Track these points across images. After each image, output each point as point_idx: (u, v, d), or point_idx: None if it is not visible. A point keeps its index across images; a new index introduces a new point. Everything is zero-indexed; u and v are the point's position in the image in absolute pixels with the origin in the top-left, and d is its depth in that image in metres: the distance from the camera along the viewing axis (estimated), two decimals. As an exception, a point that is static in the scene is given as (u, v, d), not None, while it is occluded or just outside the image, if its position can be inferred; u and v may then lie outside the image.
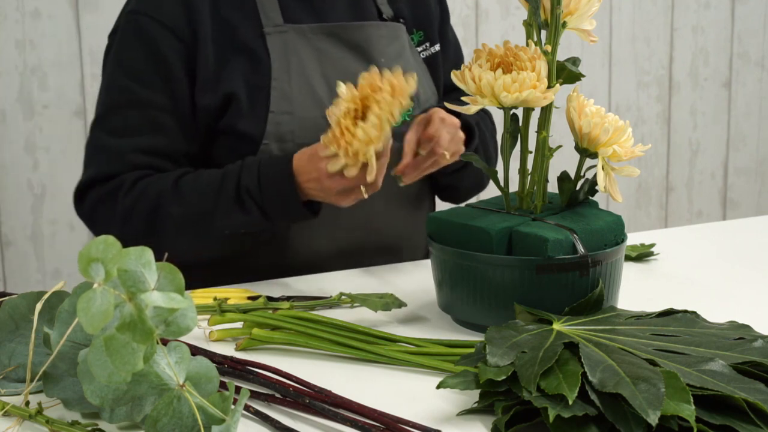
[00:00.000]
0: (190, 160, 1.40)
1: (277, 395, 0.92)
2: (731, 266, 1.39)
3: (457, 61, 1.60)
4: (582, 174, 1.17)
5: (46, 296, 0.92)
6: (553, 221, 1.11)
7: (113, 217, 1.34)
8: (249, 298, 1.22)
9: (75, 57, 2.29)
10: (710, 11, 2.98)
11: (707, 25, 2.98)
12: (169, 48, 1.36)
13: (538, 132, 1.15)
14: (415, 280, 1.34)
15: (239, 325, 1.12)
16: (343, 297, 1.20)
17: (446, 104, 1.19)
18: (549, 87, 1.11)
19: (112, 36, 1.42)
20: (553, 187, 1.18)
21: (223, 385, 0.89)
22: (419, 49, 1.52)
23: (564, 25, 1.13)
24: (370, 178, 1.16)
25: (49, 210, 2.32)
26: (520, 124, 1.16)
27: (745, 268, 1.38)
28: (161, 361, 0.82)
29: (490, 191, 1.54)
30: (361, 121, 1.14)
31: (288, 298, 1.22)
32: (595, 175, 1.15)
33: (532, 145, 1.16)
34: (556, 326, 0.98)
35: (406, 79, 1.14)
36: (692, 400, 0.81)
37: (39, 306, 0.90)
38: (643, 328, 0.99)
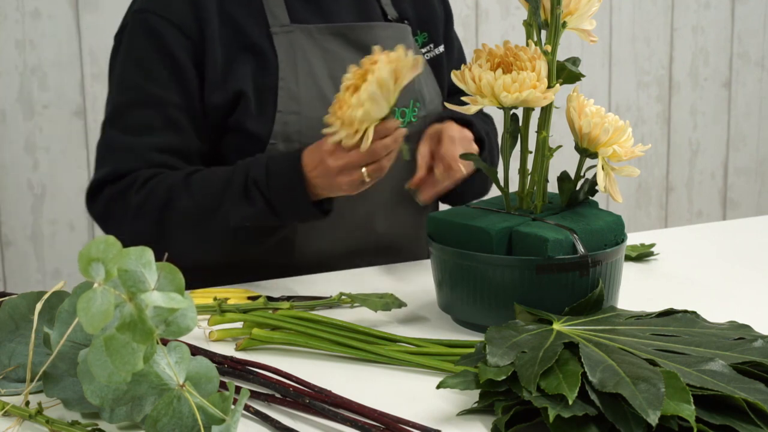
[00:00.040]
0: (203, 159, 1.40)
1: (277, 395, 0.92)
2: (731, 266, 1.39)
3: (460, 63, 1.60)
4: (582, 174, 1.17)
5: (46, 296, 0.92)
6: (553, 221, 1.11)
7: (125, 215, 1.34)
8: (249, 298, 1.22)
9: (75, 57, 2.29)
10: (710, 11, 2.98)
11: (707, 25, 2.98)
12: (179, 45, 1.35)
13: (538, 132, 1.15)
14: (415, 280, 1.34)
15: (239, 325, 1.12)
16: (343, 297, 1.20)
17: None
18: (549, 87, 1.11)
19: (119, 36, 1.41)
20: (553, 187, 1.18)
21: (223, 385, 0.89)
22: (423, 50, 1.52)
23: (564, 25, 1.13)
24: (364, 146, 1.15)
25: (49, 210, 2.32)
26: (520, 124, 1.16)
27: (745, 268, 1.38)
28: (161, 361, 0.82)
29: (490, 191, 1.54)
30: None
31: (288, 298, 1.22)
32: (595, 175, 1.15)
33: (532, 145, 1.16)
34: (556, 326, 0.98)
35: (407, 54, 1.13)
36: (692, 400, 0.81)
37: (39, 306, 0.90)
38: (643, 328, 0.99)
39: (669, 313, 1.04)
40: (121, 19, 1.43)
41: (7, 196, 2.28)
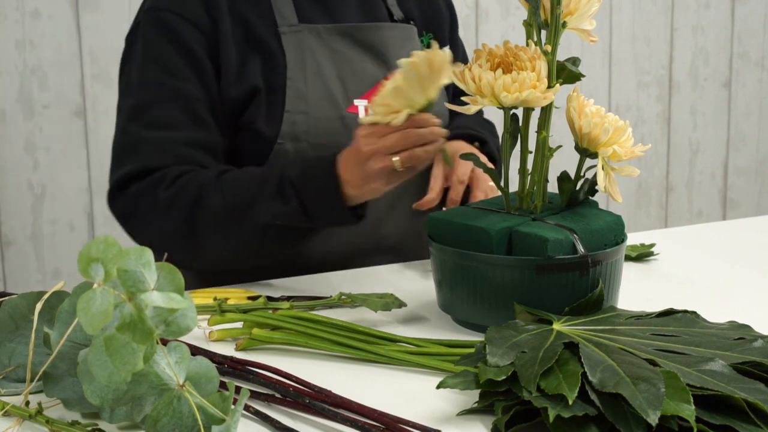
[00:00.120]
0: (225, 156, 1.39)
1: (277, 395, 0.92)
2: (731, 266, 1.39)
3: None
4: (582, 174, 1.17)
5: (46, 296, 0.92)
6: (553, 221, 1.11)
7: (153, 211, 1.31)
8: (249, 298, 1.22)
9: (75, 57, 2.29)
10: (710, 11, 2.98)
11: (707, 25, 2.98)
12: (195, 41, 1.35)
13: (538, 132, 1.15)
14: (415, 280, 1.34)
15: (239, 325, 1.12)
16: (343, 297, 1.20)
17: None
18: (549, 87, 1.11)
19: (132, 36, 1.40)
20: (553, 187, 1.18)
21: (223, 385, 0.89)
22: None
23: (564, 25, 1.13)
24: (396, 121, 1.14)
25: (49, 210, 2.32)
26: (520, 124, 1.16)
27: (745, 268, 1.38)
28: (161, 361, 0.82)
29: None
30: None
31: (288, 298, 1.22)
32: (595, 175, 1.15)
33: (532, 145, 1.16)
34: (556, 326, 0.98)
35: (443, 51, 1.13)
36: (692, 400, 0.81)
37: (39, 306, 0.90)
38: (643, 328, 0.99)
39: (669, 313, 1.04)
40: (133, 19, 1.42)
41: (7, 196, 2.28)
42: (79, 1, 2.27)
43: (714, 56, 3.01)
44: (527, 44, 1.14)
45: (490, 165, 1.43)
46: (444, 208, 1.39)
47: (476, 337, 1.05)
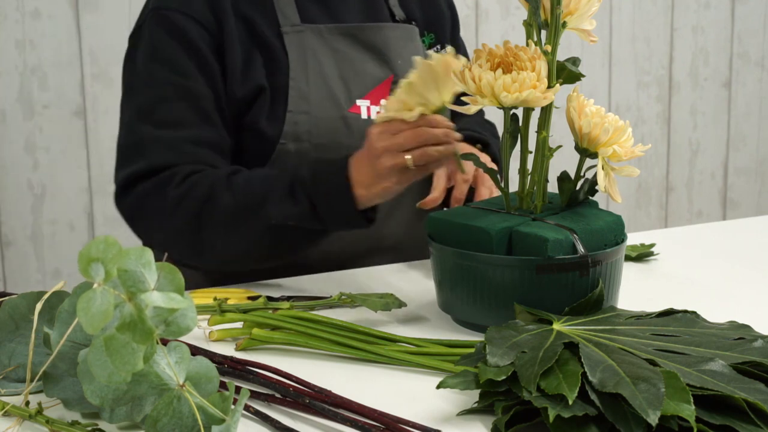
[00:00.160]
0: (232, 155, 1.39)
1: (277, 395, 0.92)
2: (731, 266, 1.39)
3: None
4: (582, 174, 1.17)
5: (46, 296, 0.92)
6: (553, 221, 1.11)
7: (162, 210, 1.31)
8: (249, 298, 1.22)
9: (75, 57, 2.29)
10: (710, 11, 2.98)
11: (707, 25, 2.98)
12: (202, 40, 1.35)
13: (538, 132, 1.15)
14: (415, 280, 1.34)
15: (239, 325, 1.12)
16: (343, 297, 1.20)
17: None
18: (549, 87, 1.11)
19: (135, 36, 1.40)
20: (553, 187, 1.18)
21: (223, 385, 0.89)
22: (430, 51, 1.52)
23: (564, 25, 1.13)
24: (409, 116, 1.14)
25: (49, 210, 2.32)
26: (520, 124, 1.16)
27: (745, 268, 1.38)
28: (161, 361, 0.82)
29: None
30: None
31: (288, 298, 1.22)
32: (595, 175, 1.15)
33: (532, 145, 1.16)
34: (556, 326, 0.98)
35: (457, 58, 1.14)
36: (692, 400, 0.81)
37: (39, 306, 0.90)
38: (643, 328, 0.99)
39: (669, 313, 1.04)
40: (133, 19, 1.42)
41: (7, 196, 2.28)
42: (79, 1, 2.27)
43: (714, 56, 3.01)
44: (527, 44, 1.14)
45: (491, 165, 1.43)
46: (447, 207, 1.39)
47: (476, 337, 1.05)
